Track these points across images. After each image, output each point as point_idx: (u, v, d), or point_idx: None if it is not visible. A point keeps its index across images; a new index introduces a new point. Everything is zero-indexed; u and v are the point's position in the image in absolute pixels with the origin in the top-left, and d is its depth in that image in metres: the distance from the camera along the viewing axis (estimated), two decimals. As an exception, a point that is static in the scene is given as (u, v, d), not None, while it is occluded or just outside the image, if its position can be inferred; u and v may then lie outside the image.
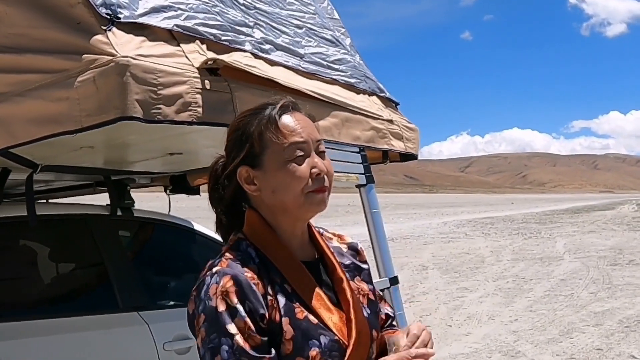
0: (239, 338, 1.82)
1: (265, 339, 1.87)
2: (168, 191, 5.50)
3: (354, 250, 2.30)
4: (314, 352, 1.90)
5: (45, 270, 4.60)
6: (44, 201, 5.20)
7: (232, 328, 1.82)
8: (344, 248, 2.28)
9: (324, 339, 1.93)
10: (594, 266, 17.98)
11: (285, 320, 1.90)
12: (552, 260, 19.92)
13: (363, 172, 4.17)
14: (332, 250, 2.17)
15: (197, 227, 5.26)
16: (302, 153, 1.97)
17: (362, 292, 2.18)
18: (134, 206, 4.94)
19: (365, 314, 2.10)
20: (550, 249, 23.72)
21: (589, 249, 22.89)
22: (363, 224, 4.38)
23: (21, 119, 2.78)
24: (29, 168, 3.59)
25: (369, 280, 2.26)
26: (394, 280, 4.20)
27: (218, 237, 4.84)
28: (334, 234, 2.31)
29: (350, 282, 2.13)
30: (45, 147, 3.01)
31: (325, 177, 2.00)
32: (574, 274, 16.75)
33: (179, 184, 5.35)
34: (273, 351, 1.87)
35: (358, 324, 2.01)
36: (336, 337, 1.95)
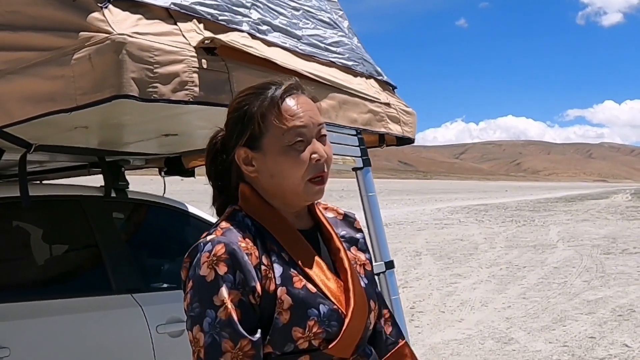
0: (222, 310, 1.80)
1: (253, 314, 1.85)
2: (163, 173, 5.47)
3: (349, 220, 2.28)
4: (312, 321, 1.88)
5: (38, 251, 4.59)
6: (38, 182, 5.18)
7: (217, 299, 1.81)
8: (339, 218, 2.26)
9: (322, 308, 1.91)
10: (587, 255, 18.03)
11: (281, 290, 1.88)
12: (545, 248, 19.97)
13: (360, 155, 4.14)
14: (328, 220, 2.16)
15: (192, 209, 5.23)
16: (302, 138, 1.95)
17: (359, 262, 2.17)
18: (128, 188, 4.91)
19: (363, 284, 2.09)
20: (543, 236, 23.78)
21: (583, 237, 22.95)
22: (357, 208, 4.36)
23: (16, 97, 2.74)
24: (23, 148, 3.56)
25: (365, 249, 2.25)
26: (389, 265, 4.18)
27: (212, 220, 4.83)
28: (327, 205, 2.29)
29: (347, 251, 2.11)
30: (40, 126, 2.99)
31: (325, 163, 1.99)
32: (568, 262, 16.78)
33: (174, 166, 5.32)
34: (259, 333, 1.85)
35: (356, 293, 1.99)
36: (335, 306, 1.93)
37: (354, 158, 4.10)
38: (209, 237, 1.89)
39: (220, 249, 1.84)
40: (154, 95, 2.65)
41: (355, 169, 4.19)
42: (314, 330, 1.88)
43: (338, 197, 46.90)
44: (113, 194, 4.72)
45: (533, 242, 21.80)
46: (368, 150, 4.30)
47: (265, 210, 2.00)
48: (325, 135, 2.02)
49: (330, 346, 1.90)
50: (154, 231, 5.39)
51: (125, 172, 5.00)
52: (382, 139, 4.57)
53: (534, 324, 10.22)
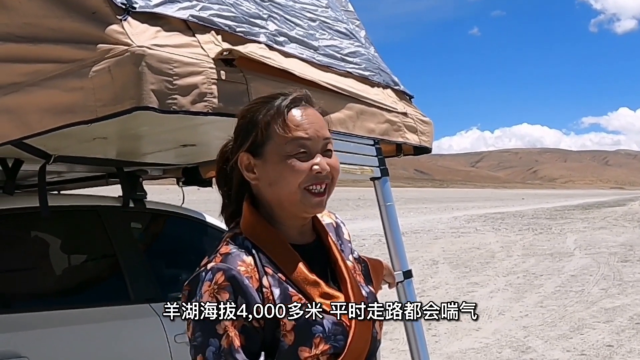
0: (225, 339, 1.81)
1: (257, 338, 1.85)
2: (180, 183, 5.49)
3: (341, 227, 2.30)
4: (317, 338, 1.88)
5: (57, 261, 4.60)
6: (56, 192, 5.20)
7: (219, 328, 1.81)
8: (334, 226, 2.27)
9: (327, 324, 1.90)
10: (604, 262, 17.93)
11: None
12: (562, 256, 19.88)
13: (378, 165, 4.13)
14: (327, 229, 2.17)
15: (209, 219, 5.24)
16: (305, 150, 1.95)
17: (356, 271, 2.17)
18: (146, 198, 4.93)
19: (365, 293, 2.09)
20: (560, 244, 23.67)
21: (600, 245, 22.84)
22: (373, 218, 4.38)
23: (36, 109, 2.76)
24: (42, 159, 3.58)
25: (357, 257, 2.28)
26: (407, 274, 4.18)
27: (230, 230, 4.83)
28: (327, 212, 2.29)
29: (347, 260, 2.12)
30: (59, 137, 3.01)
31: (328, 175, 1.98)
32: (585, 270, 16.71)
33: (191, 176, 5.33)
34: (262, 356, 1.85)
35: (357, 303, 1.98)
36: (338, 320, 1.93)
37: (371, 168, 4.10)
38: (209, 265, 1.90)
39: (220, 277, 1.85)
40: (174, 106, 2.66)
41: (373, 179, 4.19)
42: (321, 347, 1.88)
43: (355, 206, 46.92)
44: (131, 204, 4.74)
45: (550, 250, 21.70)
46: (385, 159, 4.30)
47: (262, 229, 2.00)
48: (330, 150, 2.02)
49: None
50: (172, 241, 5.40)
51: (143, 182, 5.02)
52: (400, 149, 4.57)
53: (552, 332, 10.18)
